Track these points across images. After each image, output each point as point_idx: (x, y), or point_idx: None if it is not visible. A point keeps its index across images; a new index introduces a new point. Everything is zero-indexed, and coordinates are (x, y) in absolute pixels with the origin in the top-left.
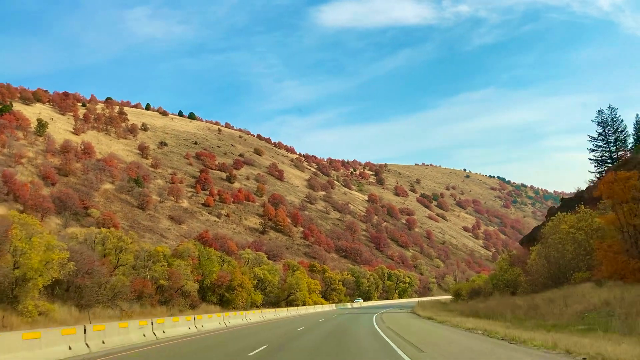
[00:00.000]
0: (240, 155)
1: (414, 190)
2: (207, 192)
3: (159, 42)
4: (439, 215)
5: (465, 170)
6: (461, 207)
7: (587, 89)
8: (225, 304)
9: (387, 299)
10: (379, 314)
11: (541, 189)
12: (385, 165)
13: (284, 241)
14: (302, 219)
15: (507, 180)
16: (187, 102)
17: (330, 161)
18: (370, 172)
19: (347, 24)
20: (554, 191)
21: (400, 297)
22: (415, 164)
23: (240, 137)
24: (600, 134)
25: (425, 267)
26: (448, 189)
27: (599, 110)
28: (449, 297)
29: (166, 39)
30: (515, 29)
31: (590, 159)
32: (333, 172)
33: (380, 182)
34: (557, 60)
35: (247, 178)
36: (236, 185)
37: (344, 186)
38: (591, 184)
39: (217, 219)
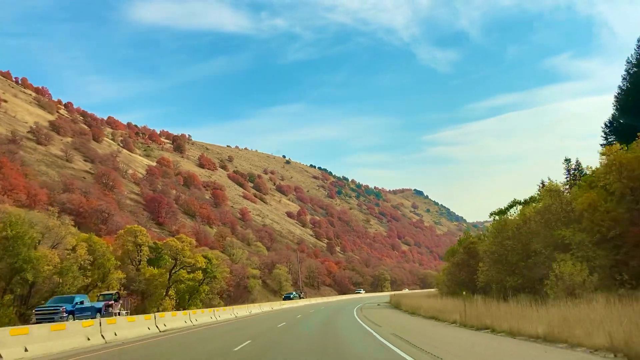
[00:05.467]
0: None
1: (224, 168)
2: None
3: None
4: (257, 197)
5: (284, 157)
6: (282, 193)
7: (386, 111)
8: None
9: (144, 311)
10: None
11: (363, 184)
12: (189, 137)
13: None
14: None
15: (329, 171)
16: None
17: (110, 118)
18: (167, 141)
19: (161, 22)
20: (375, 187)
21: (180, 305)
22: (228, 146)
23: None
24: None
25: (241, 250)
26: (266, 173)
27: None
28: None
29: None
30: (326, 48)
31: None
32: (109, 129)
33: (178, 149)
34: (362, 82)
35: None
36: None
37: (123, 147)
38: None
39: None
